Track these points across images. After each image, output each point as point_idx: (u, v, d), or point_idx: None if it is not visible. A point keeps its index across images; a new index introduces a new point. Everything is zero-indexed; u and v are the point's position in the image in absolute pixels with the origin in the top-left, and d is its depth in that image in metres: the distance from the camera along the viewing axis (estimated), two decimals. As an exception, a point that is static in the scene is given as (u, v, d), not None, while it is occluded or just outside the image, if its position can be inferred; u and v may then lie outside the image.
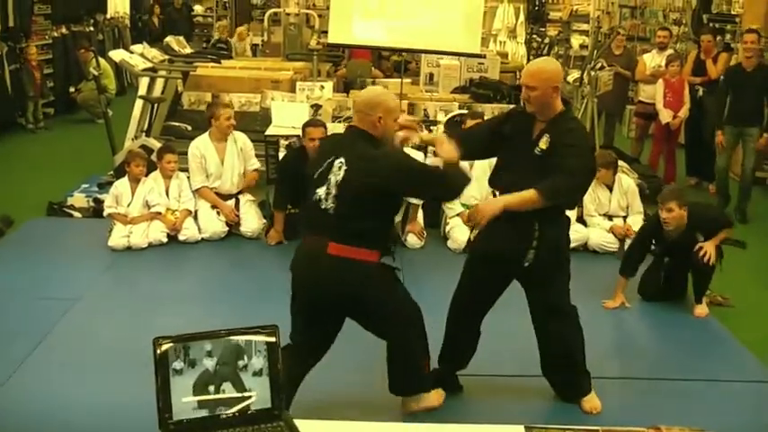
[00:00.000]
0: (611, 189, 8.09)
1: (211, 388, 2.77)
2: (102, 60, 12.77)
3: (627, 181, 8.19)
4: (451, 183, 4.58)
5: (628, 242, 7.85)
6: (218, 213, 8.03)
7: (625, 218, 8.08)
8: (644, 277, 6.89)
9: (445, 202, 7.69)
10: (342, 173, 4.43)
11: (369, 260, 4.47)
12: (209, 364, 2.78)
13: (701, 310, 6.58)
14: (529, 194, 4.51)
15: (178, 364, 2.75)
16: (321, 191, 4.48)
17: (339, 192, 4.41)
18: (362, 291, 4.49)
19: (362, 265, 4.44)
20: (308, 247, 4.57)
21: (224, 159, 8.05)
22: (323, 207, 4.46)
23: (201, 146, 8.04)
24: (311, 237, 4.56)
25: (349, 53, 13.44)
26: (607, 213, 8.11)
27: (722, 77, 9.81)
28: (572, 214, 7.93)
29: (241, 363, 2.81)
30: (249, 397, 2.82)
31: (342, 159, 4.45)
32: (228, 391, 2.80)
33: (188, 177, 8.10)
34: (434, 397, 4.95)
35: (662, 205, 6.43)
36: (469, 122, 8.06)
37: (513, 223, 4.62)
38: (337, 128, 8.58)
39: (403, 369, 4.80)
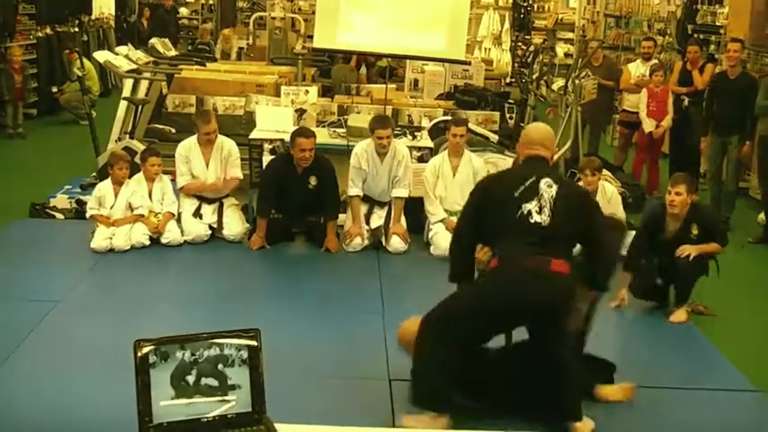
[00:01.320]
0: (594, 197, 8.11)
1: (192, 391, 2.77)
2: (86, 61, 12.72)
3: (610, 189, 8.21)
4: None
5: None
6: (200, 217, 8.01)
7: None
8: (637, 281, 6.92)
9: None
10: (553, 191, 4.67)
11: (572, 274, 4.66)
12: (190, 367, 2.77)
13: (678, 316, 6.60)
14: None
15: (158, 367, 2.75)
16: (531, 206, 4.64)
17: (554, 207, 4.64)
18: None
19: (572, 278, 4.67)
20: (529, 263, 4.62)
21: (208, 164, 8.04)
22: (534, 221, 4.61)
23: (187, 148, 8.03)
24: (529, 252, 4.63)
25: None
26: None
27: (709, 84, 9.90)
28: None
29: (222, 366, 2.81)
30: (230, 400, 2.81)
31: (548, 180, 4.70)
32: (208, 394, 2.79)
33: (172, 180, 8.08)
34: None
35: (671, 188, 6.51)
36: (453, 129, 8.07)
37: None
38: (322, 133, 8.59)
39: (574, 389, 4.84)
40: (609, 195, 8.12)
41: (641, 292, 6.86)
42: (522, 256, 4.62)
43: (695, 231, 6.53)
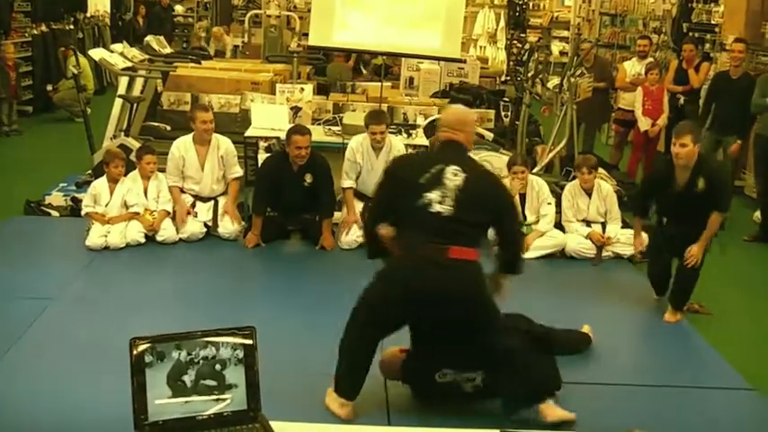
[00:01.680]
0: (589, 195, 8.12)
1: (187, 390, 2.77)
2: (81, 59, 12.70)
3: (606, 186, 8.23)
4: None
5: (605, 250, 7.92)
6: (195, 215, 8.00)
7: (603, 224, 8.11)
8: (650, 276, 6.98)
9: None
10: (459, 180, 4.63)
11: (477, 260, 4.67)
12: (186, 365, 2.77)
13: (672, 316, 6.59)
14: None
15: (154, 365, 2.75)
16: (433, 195, 4.61)
17: (457, 197, 4.60)
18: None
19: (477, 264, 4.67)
20: (425, 252, 4.61)
21: (204, 164, 8.02)
22: (435, 210, 4.59)
23: (183, 147, 8.01)
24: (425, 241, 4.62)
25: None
26: (585, 219, 8.14)
27: (708, 84, 9.90)
28: (551, 220, 8.02)
29: (217, 364, 2.81)
30: (225, 398, 2.81)
31: (456, 168, 4.67)
32: (204, 392, 2.79)
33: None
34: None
35: (676, 139, 6.34)
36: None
37: None
38: (317, 131, 8.59)
39: (525, 373, 4.83)
40: (605, 193, 8.14)
41: (662, 290, 6.91)
42: (418, 245, 4.62)
43: (701, 185, 6.38)
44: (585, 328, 6.05)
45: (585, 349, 5.93)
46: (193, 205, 8.04)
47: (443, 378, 4.96)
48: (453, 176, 4.63)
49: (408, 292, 4.60)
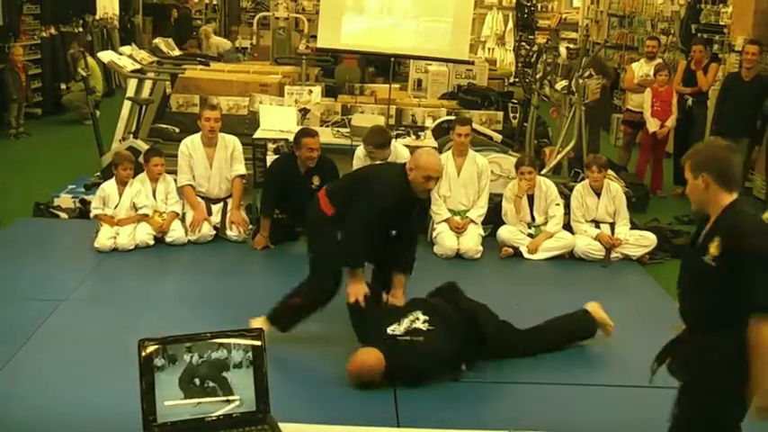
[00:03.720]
0: (598, 195, 8.11)
1: (196, 391, 2.77)
2: (90, 61, 12.74)
3: (615, 187, 8.22)
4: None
5: (614, 251, 7.91)
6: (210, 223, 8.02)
7: (612, 225, 8.10)
8: None
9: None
10: None
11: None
12: (195, 366, 2.78)
13: None
14: None
15: (163, 366, 2.75)
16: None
17: None
18: None
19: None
20: None
21: (212, 164, 8.03)
22: None
23: (191, 145, 8.03)
24: None
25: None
26: (594, 219, 8.13)
27: (720, 85, 9.86)
28: (559, 221, 8.01)
29: (226, 365, 2.82)
30: (234, 400, 2.82)
31: None
32: (213, 394, 2.80)
33: (175, 180, 8.09)
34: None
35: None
36: (458, 128, 8.07)
37: None
38: (326, 132, 8.60)
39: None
40: (613, 193, 8.13)
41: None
42: None
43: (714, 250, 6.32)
44: (592, 307, 6.08)
45: (594, 331, 5.99)
46: (209, 212, 8.06)
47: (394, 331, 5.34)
48: None
49: None
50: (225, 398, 2.81)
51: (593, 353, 6.01)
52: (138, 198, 7.84)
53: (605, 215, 8.12)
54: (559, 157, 9.57)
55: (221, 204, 8.10)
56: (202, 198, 8.07)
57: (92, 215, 7.86)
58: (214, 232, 8.00)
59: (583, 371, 5.59)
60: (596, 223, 8.14)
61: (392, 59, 10.48)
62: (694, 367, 3.73)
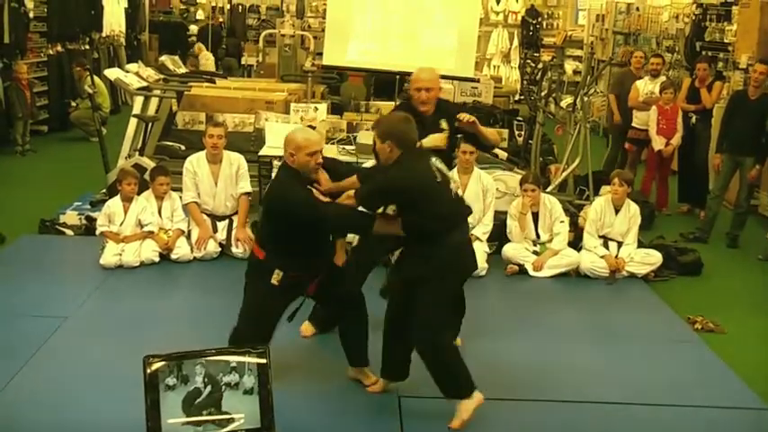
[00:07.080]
0: (617, 211, 8.12)
1: (201, 407, 2.78)
2: (96, 78, 12.77)
3: (634, 207, 8.19)
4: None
5: (618, 272, 7.91)
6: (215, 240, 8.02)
7: (619, 243, 8.09)
8: None
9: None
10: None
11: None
12: (200, 383, 2.78)
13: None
14: None
15: (169, 382, 2.76)
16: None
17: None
18: None
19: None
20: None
21: (217, 181, 8.04)
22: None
23: (195, 162, 8.03)
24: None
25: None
26: (606, 236, 8.13)
27: (726, 103, 9.86)
28: (564, 239, 8.01)
29: (231, 382, 2.82)
30: (239, 417, 2.82)
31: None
32: (218, 410, 2.80)
33: (180, 197, 8.09)
34: None
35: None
36: (463, 146, 8.07)
37: None
38: (331, 150, 8.61)
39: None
40: (632, 213, 8.15)
41: None
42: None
43: None
44: None
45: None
46: (214, 229, 8.07)
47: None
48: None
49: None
50: (229, 414, 2.81)
51: (597, 370, 6.00)
52: (143, 215, 7.85)
53: (618, 234, 8.11)
54: (564, 174, 9.57)
55: (227, 222, 8.11)
56: (208, 215, 8.08)
57: (97, 232, 7.88)
58: (219, 249, 8.00)
59: (587, 388, 5.57)
60: (606, 240, 8.13)
61: (397, 77, 10.50)
62: None
